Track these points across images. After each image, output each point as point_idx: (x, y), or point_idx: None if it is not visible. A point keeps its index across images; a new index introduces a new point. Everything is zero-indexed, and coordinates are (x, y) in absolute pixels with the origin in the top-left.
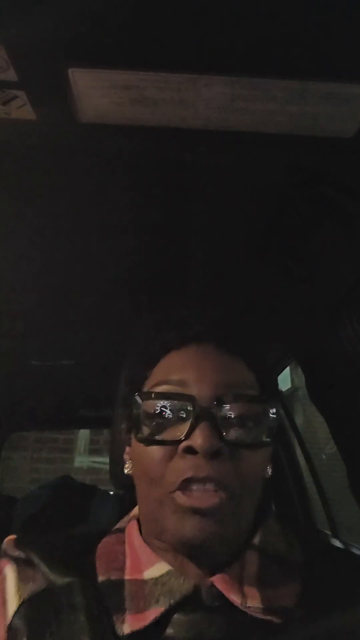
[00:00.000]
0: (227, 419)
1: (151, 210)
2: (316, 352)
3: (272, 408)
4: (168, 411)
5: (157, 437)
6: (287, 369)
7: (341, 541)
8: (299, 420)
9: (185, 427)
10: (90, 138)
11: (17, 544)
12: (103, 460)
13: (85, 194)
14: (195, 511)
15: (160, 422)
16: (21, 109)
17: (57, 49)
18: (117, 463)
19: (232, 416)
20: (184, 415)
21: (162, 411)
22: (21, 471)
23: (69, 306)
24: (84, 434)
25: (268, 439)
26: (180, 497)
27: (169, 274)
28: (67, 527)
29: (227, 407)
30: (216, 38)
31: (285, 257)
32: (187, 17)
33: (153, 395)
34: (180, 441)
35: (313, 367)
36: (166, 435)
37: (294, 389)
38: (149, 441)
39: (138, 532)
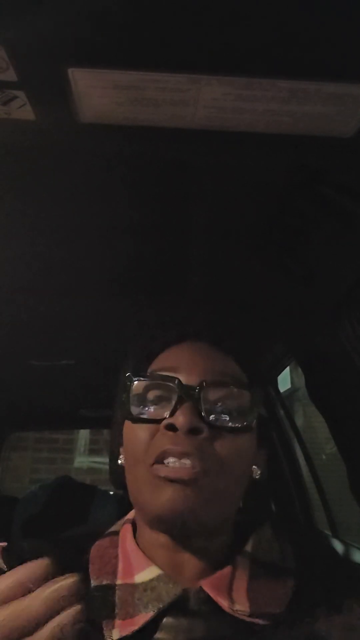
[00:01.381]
0: (210, 401)
1: (151, 210)
2: (316, 352)
3: (256, 397)
4: (154, 391)
5: (143, 416)
6: (287, 369)
7: (341, 541)
8: (299, 420)
9: (170, 407)
10: (90, 138)
11: (3, 554)
12: (103, 461)
13: (85, 194)
14: (171, 481)
15: (147, 401)
16: (21, 109)
17: (57, 49)
18: (115, 459)
19: (215, 399)
20: (169, 396)
21: (148, 391)
22: (21, 471)
23: (68, 306)
24: (84, 434)
25: (250, 426)
26: (156, 469)
27: (169, 274)
28: (67, 528)
29: (211, 390)
30: (216, 38)
31: (285, 257)
32: (187, 17)
33: (142, 377)
34: (163, 419)
35: (313, 367)
36: (152, 414)
37: (294, 389)
38: (135, 419)
39: (132, 536)
